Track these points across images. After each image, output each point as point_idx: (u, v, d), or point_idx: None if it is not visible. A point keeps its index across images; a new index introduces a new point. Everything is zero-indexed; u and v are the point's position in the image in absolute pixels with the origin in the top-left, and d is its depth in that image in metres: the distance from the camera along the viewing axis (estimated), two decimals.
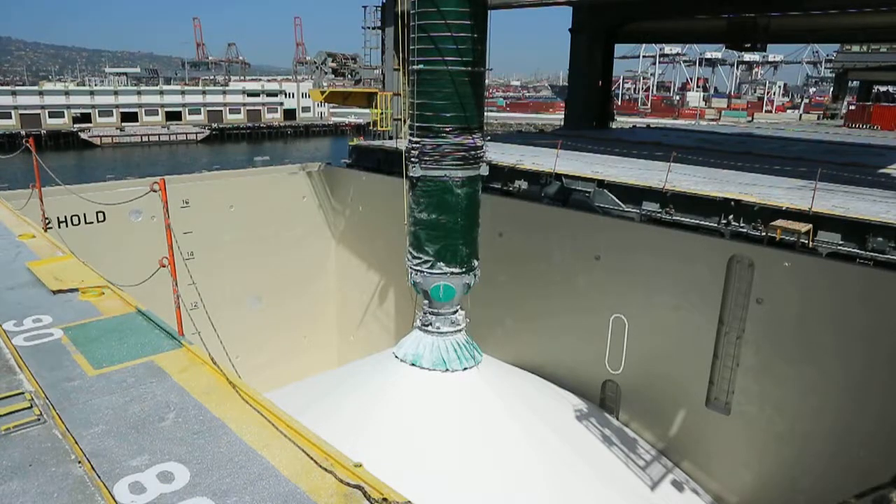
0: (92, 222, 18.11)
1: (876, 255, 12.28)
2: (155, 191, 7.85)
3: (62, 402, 5.77)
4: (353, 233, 23.40)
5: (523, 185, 17.76)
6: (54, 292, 8.57)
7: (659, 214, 15.27)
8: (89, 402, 5.78)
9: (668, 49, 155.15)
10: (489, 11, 12.47)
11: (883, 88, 73.95)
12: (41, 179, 13.37)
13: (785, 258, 12.84)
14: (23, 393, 5.87)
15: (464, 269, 13.61)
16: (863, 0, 23.12)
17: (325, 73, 25.22)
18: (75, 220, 17.76)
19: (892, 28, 29.62)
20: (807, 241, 12.80)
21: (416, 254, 13.54)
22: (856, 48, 58.81)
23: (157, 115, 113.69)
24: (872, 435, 12.07)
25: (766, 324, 13.40)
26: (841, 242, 12.81)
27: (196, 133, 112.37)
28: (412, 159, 12.74)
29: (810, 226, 12.83)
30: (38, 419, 5.45)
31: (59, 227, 16.69)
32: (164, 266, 7.37)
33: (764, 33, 30.33)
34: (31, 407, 5.62)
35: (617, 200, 15.95)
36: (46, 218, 12.96)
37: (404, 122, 16.33)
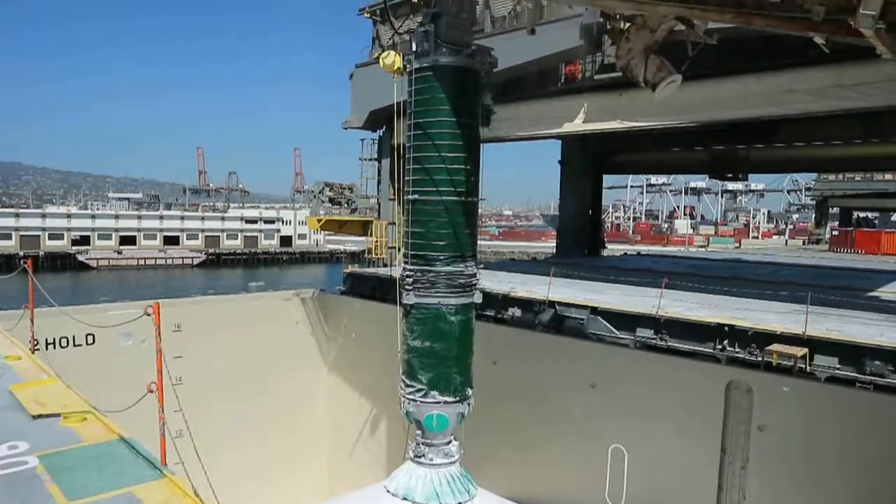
0: (81, 344, 17.89)
1: (875, 378, 12.18)
2: (148, 314, 7.84)
3: None
4: (345, 360, 23.13)
5: (517, 312, 17.82)
6: (35, 417, 8.31)
7: (653, 341, 15.24)
8: None
9: (655, 179, 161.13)
10: (482, 145, 13.02)
11: (863, 214, 76.36)
12: (35, 300, 13.36)
13: (783, 383, 12.69)
14: None
15: (458, 398, 13.33)
16: (834, 134, 24.32)
17: (323, 202, 25.97)
18: (64, 342, 17.55)
19: (864, 158, 31.08)
20: (804, 366, 12.73)
21: (409, 382, 13.32)
22: (832, 177, 61.34)
23: (156, 239, 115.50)
24: None
25: (770, 452, 13.03)
26: (839, 366, 12.73)
27: (192, 257, 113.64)
28: (406, 287, 12.82)
29: (806, 350, 12.79)
30: None
31: (47, 348, 16.47)
32: (151, 391, 7.22)
33: (744, 164, 31.70)
34: None
35: (611, 327, 15.95)
36: (35, 339, 12.81)
37: (399, 250, 16.63)
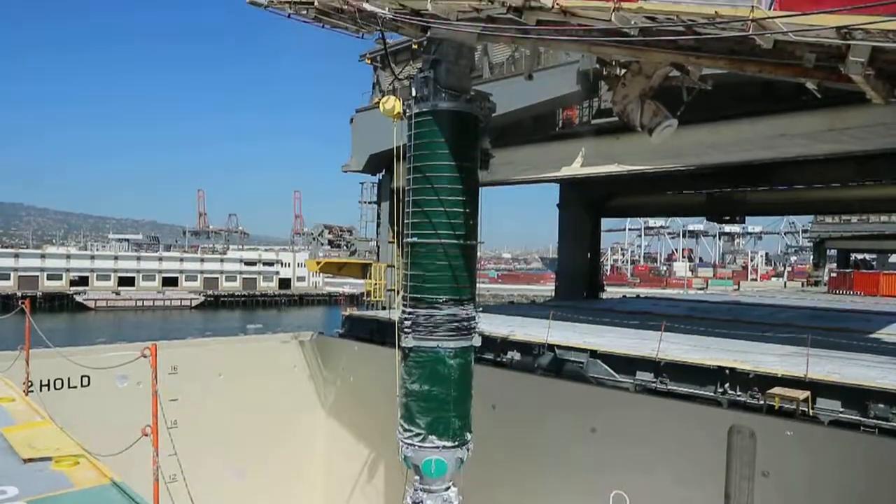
0: (76, 386, 17.72)
1: (880, 422, 12.05)
2: (145, 356, 7.79)
3: None
4: (343, 404, 22.88)
5: (516, 356, 17.73)
6: (26, 461, 8.16)
7: (654, 384, 15.12)
8: None
9: (653, 222, 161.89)
10: (481, 188, 13.14)
11: (860, 256, 76.55)
12: (31, 341, 13.27)
13: (787, 427, 12.55)
14: None
15: (456, 443, 13.16)
16: (829, 177, 24.55)
17: (322, 245, 26.08)
18: (58, 383, 17.39)
19: (859, 200, 31.34)
20: (807, 409, 12.60)
21: (407, 426, 13.16)
22: (829, 219, 61.66)
23: (154, 280, 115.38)
24: None
25: (775, 498, 12.80)
26: (842, 410, 12.60)
27: (191, 299, 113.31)
28: (405, 329, 12.78)
29: (808, 393, 12.68)
30: None
31: (42, 390, 16.32)
32: (146, 435, 7.13)
33: (741, 207, 31.99)
34: None
35: (610, 370, 15.84)
36: (29, 381, 12.69)
37: (398, 292, 16.64)
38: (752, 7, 7.93)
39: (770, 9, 8.00)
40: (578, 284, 33.20)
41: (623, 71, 12.60)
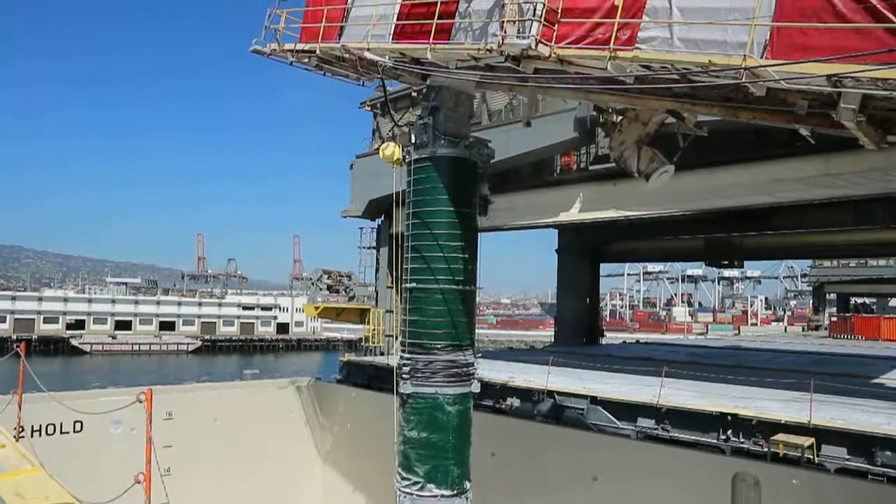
0: (68, 432, 17.45)
1: (887, 470, 11.83)
2: (141, 401, 7.71)
3: None
4: (340, 451, 22.51)
5: (515, 402, 17.55)
6: None
7: (655, 431, 14.91)
8: None
9: (651, 267, 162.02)
10: (479, 233, 13.19)
11: (860, 300, 76.39)
12: (25, 385, 13.12)
13: (792, 475, 12.32)
14: None
15: (455, 491, 12.89)
16: (825, 221, 24.62)
17: (320, 290, 26.03)
18: (51, 429, 17.13)
19: (856, 245, 31.43)
20: (812, 457, 12.39)
21: (405, 475, 12.92)
22: (827, 263, 61.73)
23: (152, 324, 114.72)
24: None
25: None
26: (848, 457, 12.39)
27: (188, 344, 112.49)
28: (403, 375, 12.67)
29: (813, 440, 12.49)
30: None
31: (33, 436, 16.06)
32: (139, 482, 7.00)
33: (739, 251, 32.05)
34: None
35: (611, 417, 15.64)
36: (21, 427, 12.50)
37: (396, 338, 16.56)
38: (745, 56, 8.10)
39: (762, 57, 8.17)
40: (578, 330, 33.05)
41: (620, 118, 12.79)
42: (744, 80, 8.25)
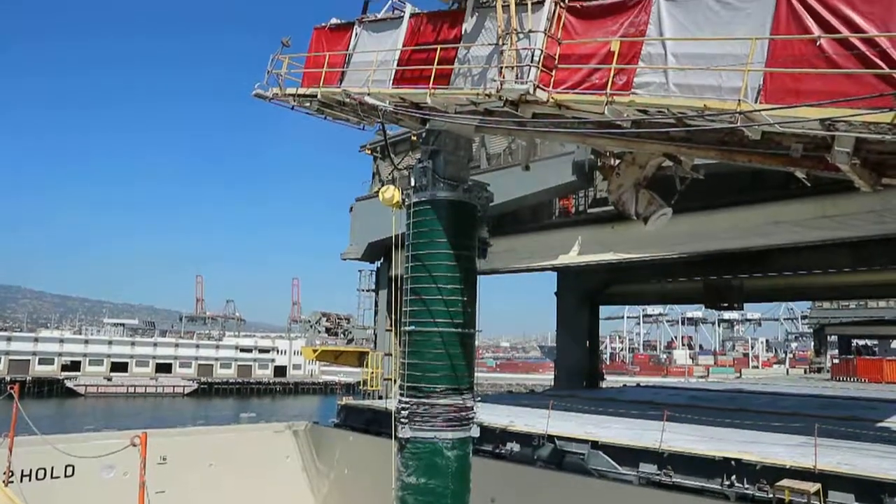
0: (58, 476, 17.06)
1: None
2: (135, 445, 7.59)
3: None
4: (337, 497, 22.06)
5: (515, 447, 17.30)
6: None
7: (658, 477, 14.65)
8: None
9: (651, 309, 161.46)
10: (479, 276, 13.19)
11: (862, 342, 75.97)
12: (17, 426, 12.93)
13: None
14: None
15: None
16: (823, 263, 24.69)
17: (319, 332, 25.93)
18: (41, 473, 16.76)
19: (855, 286, 31.42)
20: (818, 503, 12.14)
21: None
22: (827, 305, 61.57)
23: (148, 366, 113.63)
24: None
25: None
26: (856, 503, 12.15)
27: (184, 386, 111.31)
28: (401, 420, 12.52)
29: (819, 485, 12.24)
30: None
31: (23, 480, 15.74)
32: None
33: (738, 293, 32.01)
34: None
35: (613, 462, 15.39)
36: (10, 471, 12.28)
37: (394, 381, 16.45)
38: (739, 100, 8.23)
39: (756, 102, 8.30)
40: (578, 373, 32.78)
41: (617, 161, 12.92)
42: (739, 123, 8.38)
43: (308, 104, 14.26)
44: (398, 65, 12.42)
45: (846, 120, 7.63)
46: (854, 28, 7.69)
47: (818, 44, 7.89)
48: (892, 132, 7.47)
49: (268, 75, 14.20)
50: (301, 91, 14.07)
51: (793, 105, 7.93)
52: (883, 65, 7.41)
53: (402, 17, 12.73)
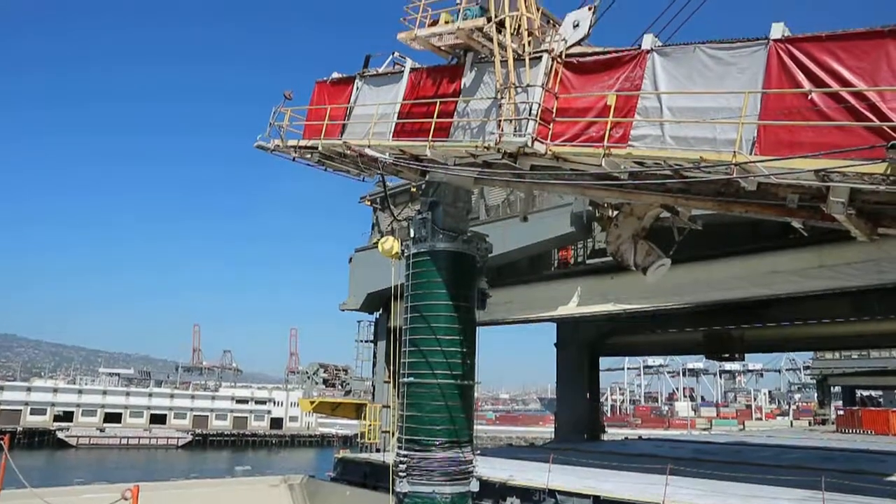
0: None
1: None
2: (126, 498, 7.42)
3: None
4: None
5: (516, 502, 16.96)
6: None
7: None
8: None
9: (651, 361, 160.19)
10: (478, 328, 13.13)
11: (866, 393, 75.06)
12: (5, 479, 12.63)
13: None
14: None
15: None
16: (824, 313, 24.59)
17: (316, 384, 25.65)
18: None
19: (856, 336, 31.21)
20: None
21: None
22: (829, 355, 61.04)
23: (142, 417, 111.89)
24: None
25: None
26: None
27: (178, 438, 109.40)
28: (399, 473, 12.29)
29: None
30: None
31: None
32: None
33: (739, 344, 31.79)
34: None
35: None
36: None
37: (392, 434, 16.20)
38: (735, 152, 8.36)
39: (751, 153, 8.42)
40: (578, 426, 32.33)
41: (615, 212, 13.02)
42: (734, 175, 8.48)
43: (309, 156, 14.46)
44: (398, 118, 12.64)
45: (840, 171, 7.73)
46: (844, 82, 7.87)
47: (810, 97, 8.06)
48: (886, 183, 7.55)
49: (269, 127, 14.43)
50: (303, 143, 14.27)
51: (787, 157, 8.05)
52: (873, 117, 7.55)
53: (403, 71, 13.02)
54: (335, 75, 14.55)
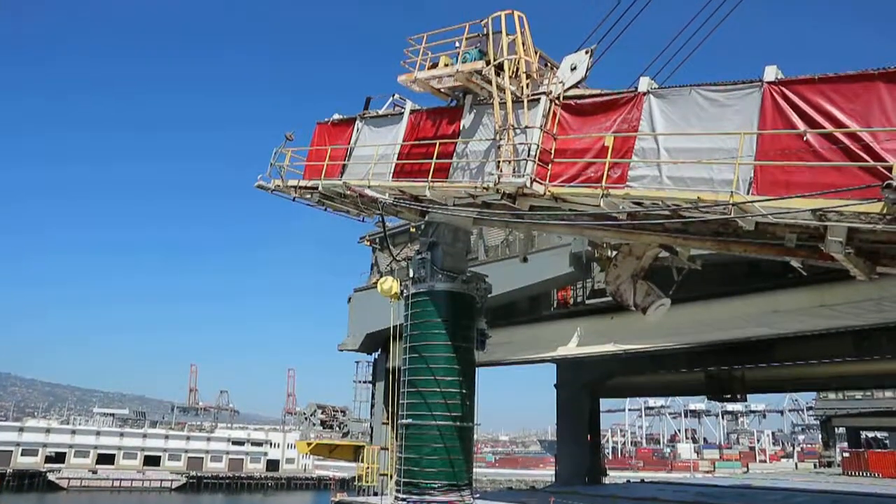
0: None
1: None
2: None
3: None
4: None
5: None
6: None
7: None
8: None
9: (653, 402, 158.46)
10: (477, 369, 13.04)
11: (871, 434, 73.99)
12: None
13: None
14: None
15: None
16: (826, 352, 24.40)
17: (314, 425, 25.33)
18: None
19: (860, 376, 30.93)
20: None
21: None
22: (833, 395, 60.35)
23: (136, 458, 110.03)
24: None
25: None
26: None
27: (172, 480, 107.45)
28: None
29: None
30: None
31: None
32: None
33: (741, 384, 31.51)
34: None
35: None
36: None
37: (391, 477, 15.92)
38: (732, 192, 8.42)
39: (748, 193, 8.48)
40: (579, 468, 31.79)
41: (614, 252, 13.05)
42: (732, 215, 8.53)
43: (309, 196, 14.55)
44: (398, 158, 12.77)
45: (837, 210, 7.78)
46: (837, 123, 7.98)
47: (805, 138, 8.15)
48: (883, 221, 7.59)
49: (270, 167, 14.55)
50: (303, 183, 14.38)
51: (784, 196, 8.10)
52: (868, 158, 7.63)
53: (403, 113, 13.20)
54: (336, 116, 14.75)
